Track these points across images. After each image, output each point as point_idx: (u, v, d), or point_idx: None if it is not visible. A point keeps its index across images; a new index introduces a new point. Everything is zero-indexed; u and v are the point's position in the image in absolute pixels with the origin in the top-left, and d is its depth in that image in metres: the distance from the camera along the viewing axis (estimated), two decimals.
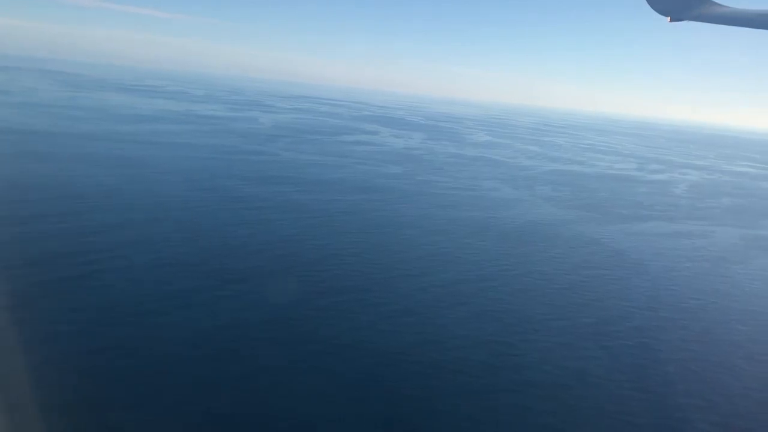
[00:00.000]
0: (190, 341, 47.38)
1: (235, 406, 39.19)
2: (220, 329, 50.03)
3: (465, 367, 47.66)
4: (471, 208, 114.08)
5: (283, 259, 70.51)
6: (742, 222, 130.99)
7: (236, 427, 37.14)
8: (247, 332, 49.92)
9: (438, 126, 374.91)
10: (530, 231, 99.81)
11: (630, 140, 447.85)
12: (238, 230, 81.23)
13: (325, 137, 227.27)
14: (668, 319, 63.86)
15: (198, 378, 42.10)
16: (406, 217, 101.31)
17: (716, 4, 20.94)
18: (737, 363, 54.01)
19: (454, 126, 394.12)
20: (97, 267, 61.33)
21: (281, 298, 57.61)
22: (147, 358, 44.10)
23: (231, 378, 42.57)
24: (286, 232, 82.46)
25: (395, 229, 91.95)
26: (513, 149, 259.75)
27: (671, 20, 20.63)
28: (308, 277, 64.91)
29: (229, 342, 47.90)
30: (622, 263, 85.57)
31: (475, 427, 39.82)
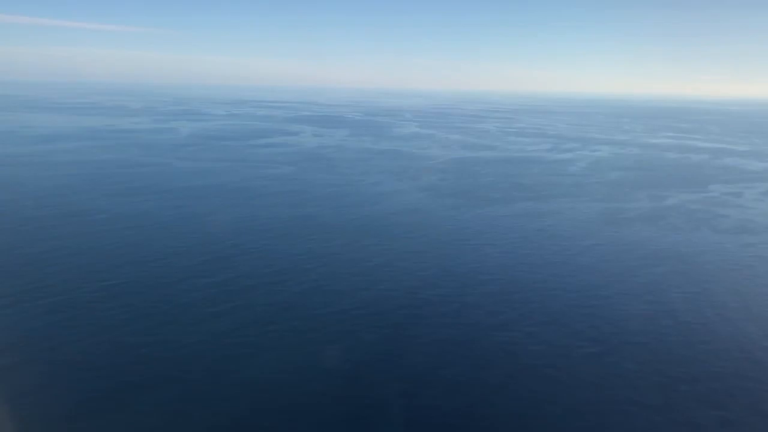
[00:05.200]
0: None
1: None
2: None
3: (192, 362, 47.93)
4: (331, 206, 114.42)
5: (79, 270, 70.04)
6: (613, 196, 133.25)
7: None
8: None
9: (371, 121, 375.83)
10: (379, 223, 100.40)
11: (567, 120, 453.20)
12: (49, 244, 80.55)
13: (237, 142, 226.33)
14: (441, 296, 64.64)
15: None
16: (251, 218, 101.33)
17: None
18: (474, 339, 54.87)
19: (388, 120, 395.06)
20: None
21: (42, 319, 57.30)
22: None
23: None
24: (99, 243, 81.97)
25: (229, 232, 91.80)
26: (432, 140, 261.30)
27: None
28: (87, 289, 64.54)
29: None
30: (449, 248, 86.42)
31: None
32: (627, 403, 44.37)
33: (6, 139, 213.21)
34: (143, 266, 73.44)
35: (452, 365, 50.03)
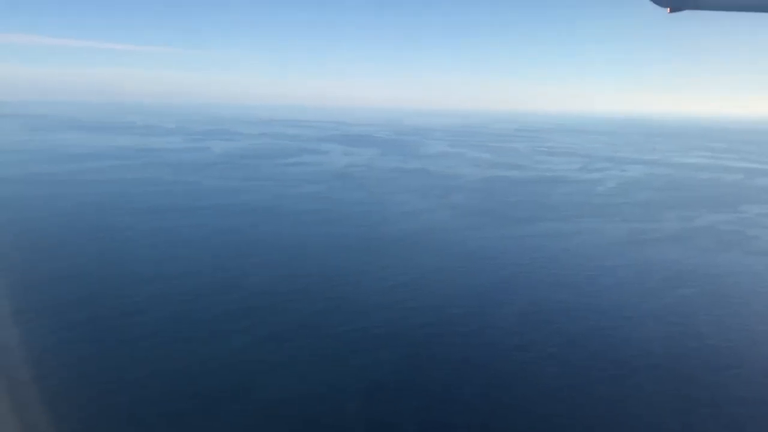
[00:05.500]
0: None
1: None
2: None
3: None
4: (356, 224, 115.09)
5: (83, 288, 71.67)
6: (642, 217, 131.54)
7: None
8: None
9: (400, 140, 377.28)
10: (403, 242, 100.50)
11: (599, 139, 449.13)
12: (72, 260, 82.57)
13: (266, 161, 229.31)
14: (462, 315, 64.49)
15: None
16: (275, 236, 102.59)
17: None
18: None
19: (418, 139, 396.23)
20: None
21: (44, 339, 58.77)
22: None
23: None
24: (121, 259, 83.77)
25: (251, 249, 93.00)
26: (461, 158, 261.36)
27: (671, 11, 19.60)
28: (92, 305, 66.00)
29: None
30: (471, 267, 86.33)
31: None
32: (644, 426, 43.67)
33: (40, 157, 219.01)
34: (164, 282, 74.81)
35: (470, 384, 49.87)
